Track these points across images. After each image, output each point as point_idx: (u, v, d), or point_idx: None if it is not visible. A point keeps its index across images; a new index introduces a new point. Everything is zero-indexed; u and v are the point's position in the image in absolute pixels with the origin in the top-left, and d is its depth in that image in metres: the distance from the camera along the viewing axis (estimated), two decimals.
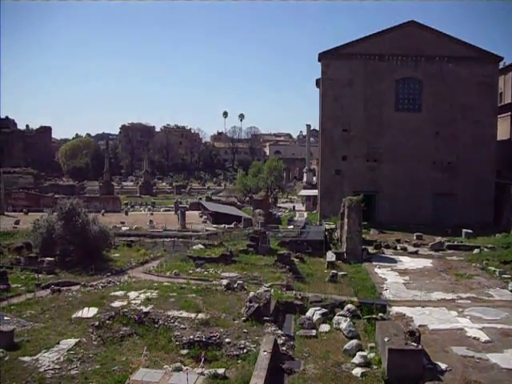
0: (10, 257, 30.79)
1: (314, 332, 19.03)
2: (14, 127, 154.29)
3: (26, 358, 15.23)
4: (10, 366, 14.74)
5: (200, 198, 72.51)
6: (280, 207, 70.43)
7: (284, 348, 16.62)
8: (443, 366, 15.49)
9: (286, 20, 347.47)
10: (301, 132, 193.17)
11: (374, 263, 32.39)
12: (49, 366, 14.73)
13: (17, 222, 45.96)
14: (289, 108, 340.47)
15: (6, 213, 56.08)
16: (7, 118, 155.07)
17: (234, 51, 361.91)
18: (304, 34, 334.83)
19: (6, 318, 19.21)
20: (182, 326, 17.93)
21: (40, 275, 26.29)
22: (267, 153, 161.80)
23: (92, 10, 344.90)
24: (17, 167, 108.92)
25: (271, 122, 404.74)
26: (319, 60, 51.56)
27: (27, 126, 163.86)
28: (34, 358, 15.28)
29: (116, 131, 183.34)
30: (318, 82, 54.48)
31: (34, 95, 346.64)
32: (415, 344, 14.99)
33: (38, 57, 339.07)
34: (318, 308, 21.22)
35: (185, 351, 16.35)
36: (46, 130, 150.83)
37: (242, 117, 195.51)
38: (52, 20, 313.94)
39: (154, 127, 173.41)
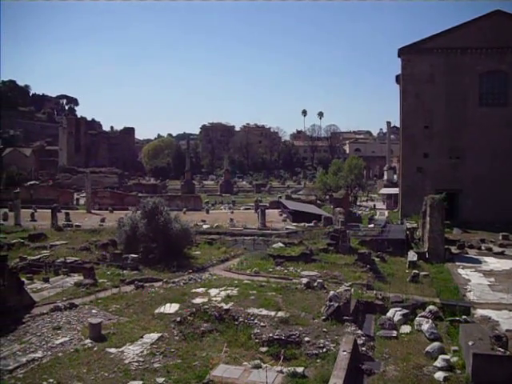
0: (96, 253, 31.90)
1: (394, 333, 18.65)
2: (100, 129, 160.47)
3: (113, 350, 15.84)
4: (98, 356, 15.39)
5: (280, 197, 72.55)
6: (360, 206, 69.65)
7: (364, 348, 16.40)
8: None
9: (365, 16, 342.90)
10: (381, 129, 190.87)
11: (457, 263, 31.40)
12: (133, 358, 15.23)
13: (103, 220, 47.62)
14: (368, 105, 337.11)
15: (92, 211, 58.19)
16: (93, 120, 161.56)
17: (312, 49, 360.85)
18: (383, 29, 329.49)
19: (93, 311, 20.04)
20: (262, 323, 18.04)
21: (124, 271, 27.12)
22: (347, 151, 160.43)
23: (174, 11, 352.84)
24: (102, 167, 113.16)
25: (351, 120, 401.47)
26: (399, 56, 50.49)
27: (112, 127, 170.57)
28: (120, 350, 15.85)
29: (197, 131, 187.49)
30: (397, 79, 53.37)
31: (117, 98, 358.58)
32: (502, 350, 14.34)
33: (120, 61, 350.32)
34: (399, 308, 20.80)
35: (264, 349, 16.45)
36: (129, 131, 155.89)
37: (321, 115, 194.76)
38: (135, 23, 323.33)
39: (233, 127, 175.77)
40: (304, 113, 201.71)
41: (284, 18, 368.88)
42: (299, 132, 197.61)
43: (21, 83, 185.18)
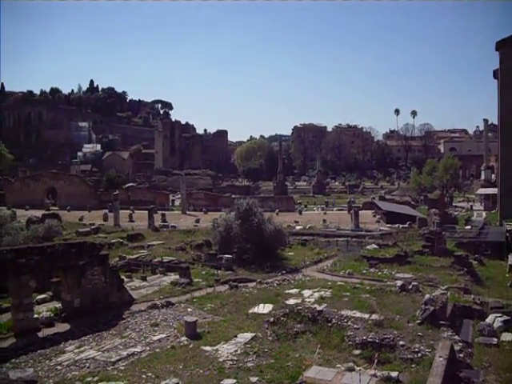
0: (192, 253, 32.73)
1: (494, 340, 17.75)
2: (194, 132, 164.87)
3: (207, 348, 16.18)
4: (194, 353, 15.78)
5: (373, 198, 71.59)
6: (456, 206, 67.48)
7: (461, 355, 15.78)
8: None
9: (460, 10, 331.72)
10: (477, 127, 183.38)
11: None
12: (227, 357, 15.48)
13: (197, 221, 48.81)
14: (464, 102, 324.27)
15: (187, 212, 59.79)
16: (187, 123, 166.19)
17: (404, 48, 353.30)
18: (479, 22, 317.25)
19: (189, 309, 20.59)
20: (356, 325, 17.84)
21: (219, 271, 27.62)
22: (441, 150, 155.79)
23: (264, 11, 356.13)
24: (196, 169, 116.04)
25: (445, 118, 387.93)
26: (497, 49, 48.28)
27: (205, 130, 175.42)
28: (214, 348, 16.17)
29: (288, 132, 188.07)
30: (495, 73, 51.14)
31: (211, 101, 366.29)
32: None
33: (213, 65, 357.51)
34: (499, 315, 19.85)
35: (357, 351, 16.24)
36: (222, 134, 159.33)
37: (414, 114, 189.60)
38: (226, 26, 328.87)
39: (325, 127, 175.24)
40: (397, 112, 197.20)
41: (376, 16, 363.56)
42: (392, 131, 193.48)
43: (119, 90, 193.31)
